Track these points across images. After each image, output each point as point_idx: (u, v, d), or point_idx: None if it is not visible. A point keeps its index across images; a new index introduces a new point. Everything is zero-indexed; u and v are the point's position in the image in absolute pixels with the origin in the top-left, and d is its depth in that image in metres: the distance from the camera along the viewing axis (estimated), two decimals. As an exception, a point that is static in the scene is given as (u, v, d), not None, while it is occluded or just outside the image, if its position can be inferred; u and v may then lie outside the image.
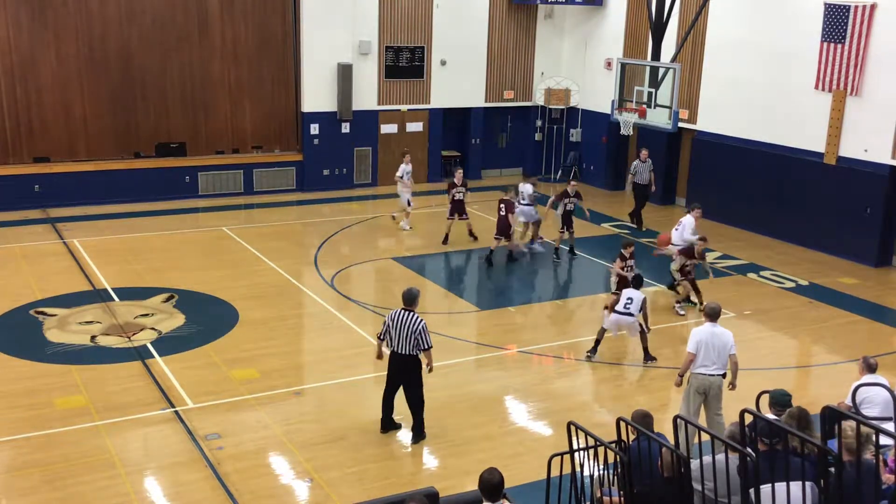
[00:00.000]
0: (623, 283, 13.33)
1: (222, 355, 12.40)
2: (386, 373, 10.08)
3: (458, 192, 17.85)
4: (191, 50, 21.59)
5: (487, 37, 24.49)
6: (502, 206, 16.98)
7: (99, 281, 15.40)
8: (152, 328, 13.31)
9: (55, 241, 17.85)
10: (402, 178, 19.05)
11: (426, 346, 9.73)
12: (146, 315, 13.85)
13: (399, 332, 9.69)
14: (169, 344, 12.75)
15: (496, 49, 24.71)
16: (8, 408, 10.65)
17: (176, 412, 10.67)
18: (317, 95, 22.55)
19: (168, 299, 14.58)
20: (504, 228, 16.93)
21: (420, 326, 9.64)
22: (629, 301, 12.23)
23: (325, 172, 23.06)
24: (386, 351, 10.10)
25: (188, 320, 13.70)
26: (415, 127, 24.18)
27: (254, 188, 22.26)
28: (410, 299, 9.85)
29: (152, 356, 12.31)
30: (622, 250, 13.93)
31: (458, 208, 17.92)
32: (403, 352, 9.73)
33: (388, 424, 10.23)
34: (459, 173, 18.19)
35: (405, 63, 23.59)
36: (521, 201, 17.90)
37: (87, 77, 20.74)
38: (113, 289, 14.96)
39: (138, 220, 19.49)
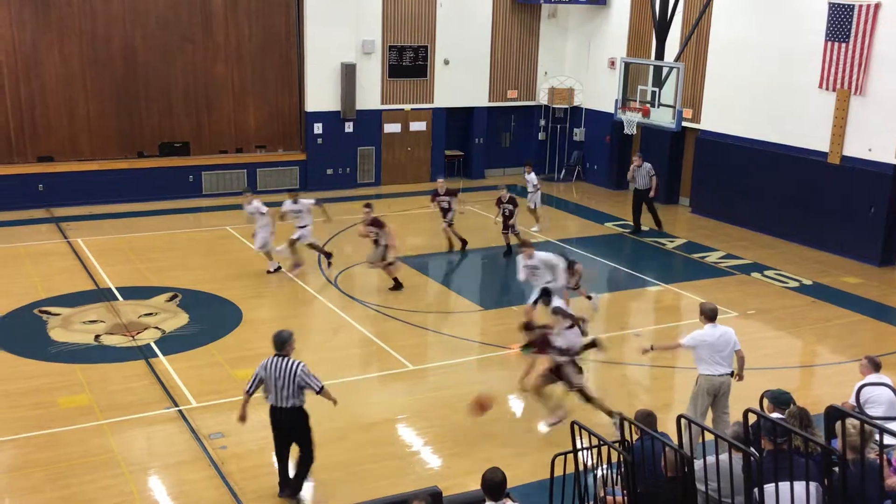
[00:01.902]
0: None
1: (226, 354, 12.41)
2: (272, 432, 8.82)
3: (443, 201, 17.71)
4: (195, 50, 21.62)
5: (491, 36, 24.49)
6: (503, 203, 17.39)
7: (103, 280, 15.42)
8: (156, 327, 13.33)
9: (59, 240, 17.88)
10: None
11: (317, 389, 8.50)
12: (150, 314, 13.86)
13: (277, 383, 8.38)
14: (172, 343, 12.76)
15: (499, 48, 24.70)
16: (12, 407, 10.67)
17: (179, 411, 10.69)
18: (320, 95, 22.58)
19: (172, 298, 14.59)
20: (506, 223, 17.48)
21: (301, 370, 8.37)
22: None
23: (329, 172, 23.07)
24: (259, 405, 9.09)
25: (192, 319, 13.71)
26: (418, 126, 24.18)
27: (258, 187, 22.26)
28: (281, 343, 8.50)
29: (156, 355, 12.32)
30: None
31: (444, 216, 17.77)
32: (287, 405, 8.47)
33: (287, 484, 8.91)
34: (441, 182, 17.96)
35: (408, 62, 23.60)
36: (528, 190, 19.01)
37: (91, 77, 20.77)
38: (117, 288, 14.98)
39: (142, 220, 19.52)
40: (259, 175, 22.41)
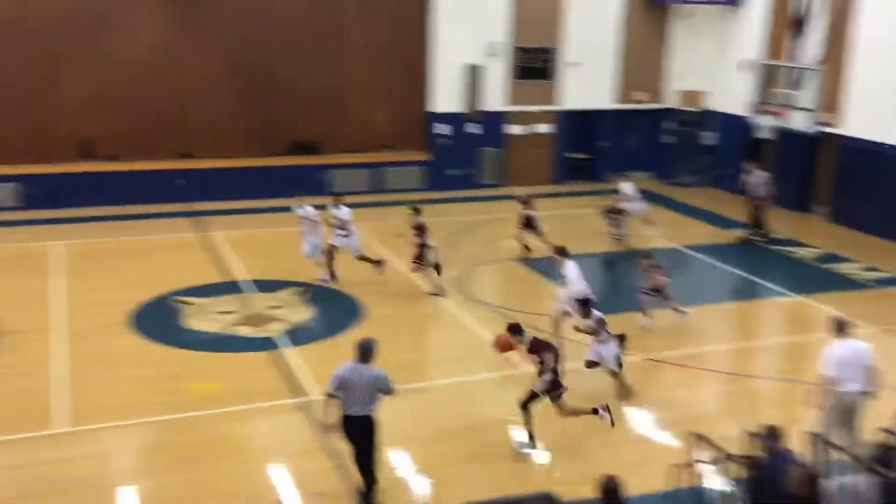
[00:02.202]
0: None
1: (348, 349, 12.68)
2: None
3: (526, 209, 17.46)
4: (327, 52, 22.26)
5: (620, 37, 24.10)
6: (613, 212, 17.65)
7: (236, 273, 16.06)
8: (284, 320, 13.79)
9: (195, 233, 18.73)
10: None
11: (395, 391, 8.60)
12: (279, 307, 14.36)
13: (355, 390, 8.33)
14: (299, 336, 13.17)
15: (628, 50, 24.27)
16: (148, 391, 11.26)
17: (303, 402, 11.01)
18: (445, 96, 22.80)
19: (300, 293, 15.05)
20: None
21: (384, 376, 8.46)
22: None
23: (453, 172, 23.26)
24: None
25: (318, 314, 14.11)
26: (543, 128, 24.07)
27: (383, 187, 22.69)
28: (367, 351, 8.51)
29: (283, 347, 12.74)
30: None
31: (527, 223, 17.44)
32: (360, 413, 8.41)
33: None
34: (522, 190, 17.96)
35: (534, 64, 23.51)
36: (629, 199, 18.32)
37: (230, 77, 21.71)
38: (249, 280, 15.57)
39: (274, 216, 20.18)
40: (384, 175, 22.84)
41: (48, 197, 20.04)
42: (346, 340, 12.91)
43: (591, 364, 11.23)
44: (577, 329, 11.49)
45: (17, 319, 13.26)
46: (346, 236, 15.41)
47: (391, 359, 12.24)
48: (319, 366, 12.05)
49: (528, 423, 9.84)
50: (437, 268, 15.11)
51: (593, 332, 11.12)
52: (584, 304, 11.25)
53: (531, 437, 9.87)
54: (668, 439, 10.29)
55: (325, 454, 9.72)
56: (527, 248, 17.44)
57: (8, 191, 19.89)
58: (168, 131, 21.55)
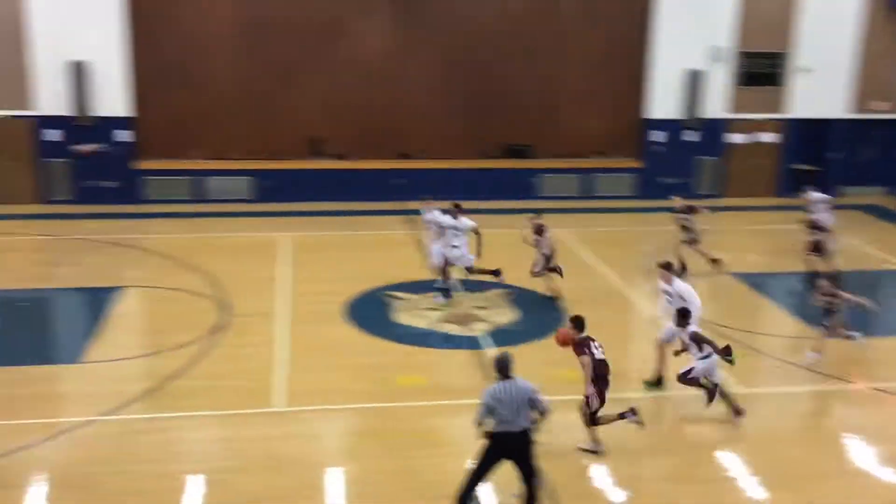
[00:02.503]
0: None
1: (548, 353, 12.62)
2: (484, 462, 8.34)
3: (683, 220, 16.41)
4: (543, 56, 22.35)
5: (858, 42, 22.40)
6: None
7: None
8: (488, 320, 13.97)
9: (409, 231, 19.39)
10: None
11: (545, 409, 8.28)
12: (484, 307, 14.56)
13: (510, 407, 8.06)
14: (501, 337, 13.29)
15: (867, 56, 22.50)
16: (358, 379, 11.78)
17: (503, 403, 11.07)
18: (663, 102, 22.22)
19: (504, 294, 15.19)
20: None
21: (534, 389, 8.22)
22: None
23: (666, 181, 22.60)
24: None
25: (522, 316, 14.18)
26: (767, 137, 22.85)
27: (592, 192, 22.45)
28: (506, 366, 8.29)
29: (485, 346, 12.91)
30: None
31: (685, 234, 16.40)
32: (519, 429, 8.14)
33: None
34: (678, 200, 16.74)
35: (761, 69, 22.36)
36: (819, 210, 17.09)
37: (448, 81, 22.33)
38: (456, 280, 15.88)
39: (483, 217, 20.46)
40: (595, 180, 22.59)
41: (278, 191, 21.50)
42: (548, 344, 12.88)
43: (683, 379, 10.62)
44: (676, 353, 10.89)
45: (246, 303, 14.34)
46: (455, 246, 14.65)
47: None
48: (519, 369, 12.07)
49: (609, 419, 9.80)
50: (559, 271, 14.79)
51: (685, 348, 10.62)
52: (683, 316, 10.61)
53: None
54: (892, 476, 9.43)
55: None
56: (682, 263, 16.37)
57: (243, 184, 21.53)
58: (388, 133, 22.47)
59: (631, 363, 12.93)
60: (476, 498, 8.42)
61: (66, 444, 9.86)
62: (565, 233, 19.19)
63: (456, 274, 14.95)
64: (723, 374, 10.80)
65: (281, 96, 21.89)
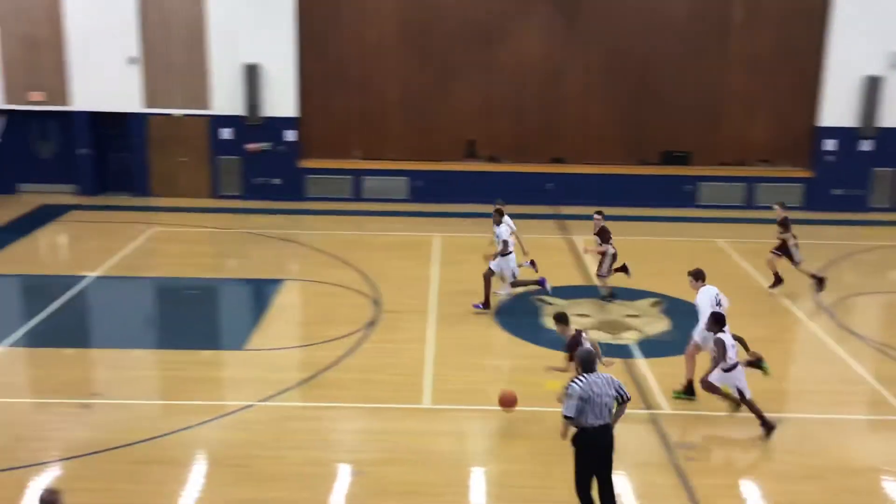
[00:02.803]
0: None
1: (702, 366, 12.24)
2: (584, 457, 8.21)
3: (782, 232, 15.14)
4: (708, 60, 21.66)
5: None
6: None
7: (594, 278, 16.23)
8: (638, 329, 13.67)
9: (561, 236, 19.27)
10: None
11: (628, 397, 8.24)
12: (635, 316, 14.27)
13: (601, 400, 7.96)
14: (652, 347, 12.98)
15: None
16: (504, 381, 11.79)
17: (652, 414, 10.82)
18: (837, 109, 21.05)
19: (655, 304, 14.84)
20: None
21: (618, 381, 8.15)
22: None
23: (837, 192, 21.39)
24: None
25: (673, 326, 13.80)
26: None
27: (755, 202, 21.53)
28: (592, 361, 8.24)
29: (635, 356, 12.64)
30: None
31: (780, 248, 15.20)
32: (608, 420, 8.09)
33: None
34: (780, 211, 15.34)
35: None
36: None
37: (606, 85, 22.03)
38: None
39: (636, 224, 20.11)
40: (758, 190, 21.65)
41: (432, 192, 21.88)
42: (701, 358, 12.48)
43: (704, 385, 10.38)
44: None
45: (398, 300, 14.68)
46: (506, 254, 14.18)
47: (756, 386, 11.62)
48: (669, 380, 11.76)
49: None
50: (625, 269, 14.69)
51: (715, 359, 10.16)
52: (717, 322, 10.23)
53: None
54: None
55: (670, 469, 9.46)
56: (777, 276, 15.40)
57: (400, 184, 22.04)
58: (542, 136, 22.41)
59: (797, 382, 12.36)
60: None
61: (226, 425, 10.42)
62: (724, 243, 18.53)
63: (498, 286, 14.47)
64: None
65: (439, 98, 22.26)
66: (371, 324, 13.70)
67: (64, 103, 21.24)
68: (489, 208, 20.36)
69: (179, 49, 21.06)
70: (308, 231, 19.13)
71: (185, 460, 9.62)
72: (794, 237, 15.11)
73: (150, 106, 21.34)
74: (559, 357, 12.57)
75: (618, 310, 14.56)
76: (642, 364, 12.38)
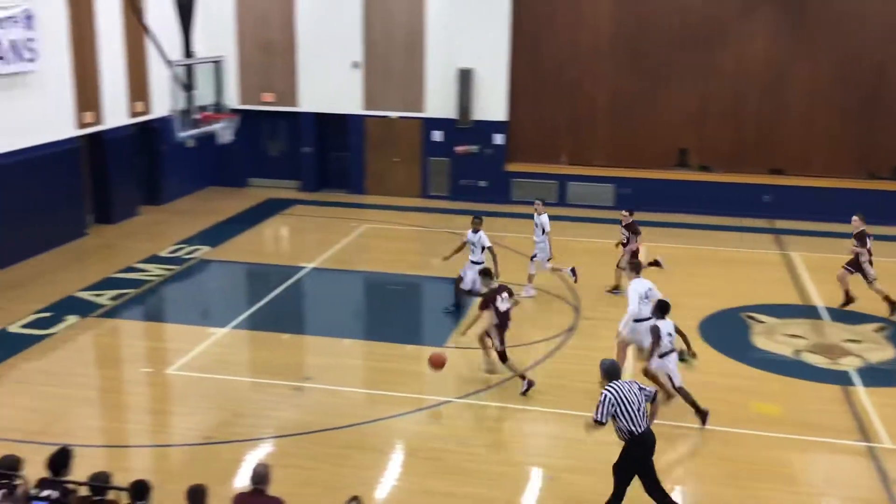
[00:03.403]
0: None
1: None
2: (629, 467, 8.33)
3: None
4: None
5: None
6: None
7: (811, 297, 15.28)
8: (859, 355, 12.70)
9: (776, 251, 18.28)
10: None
11: (653, 395, 8.48)
12: (856, 341, 13.27)
13: (634, 406, 8.13)
14: (874, 375, 12.03)
15: None
16: (708, 399, 11.30)
17: (869, 447, 10.03)
18: None
19: (880, 329, 13.73)
20: None
21: (641, 385, 8.38)
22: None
23: None
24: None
25: (898, 355, 12.72)
26: None
27: None
28: (615, 371, 8.47)
29: (854, 384, 11.76)
30: None
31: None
32: (648, 425, 8.26)
33: None
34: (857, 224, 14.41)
35: None
36: None
37: (834, 94, 20.67)
38: (824, 307, 14.69)
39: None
40: None
41: (639, 200, 21.34)
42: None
43: (649, 375, 10.65)
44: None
45: (598, 307, 14.53)
46: (476, 264, 13.81)
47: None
48: (891, 412, 10.84)
49: (512, 368, 11.27)
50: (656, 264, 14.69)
51: (651, 345, 10.48)
52: (661, 309, 10.67)
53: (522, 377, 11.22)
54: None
55: (889, 511, 8.74)
56: (848, 295, 14.16)
57: (606, 191, 21.74)
58: (761, 145, 21.38)
59: None
60: None
61: (424, 419, 10.73)
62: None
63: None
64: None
65: (651, 103, 21.78)
66: (570, 330, 13.61)
67: (292, 104, 22.75)
68: (699, 219, 19.76)
69: (398, 54, 21.94)
70: (511, 234, 19.27)
71: (384, 448, 10.01)
72: (870, 253, 14.08)
73: (368, 108, 22.40)
74: (769, 378, 11.96)
75: (837, 333, 13.60)
76: (862, 393, 11.48)
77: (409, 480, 9.39)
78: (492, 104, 21.67)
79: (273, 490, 7.08)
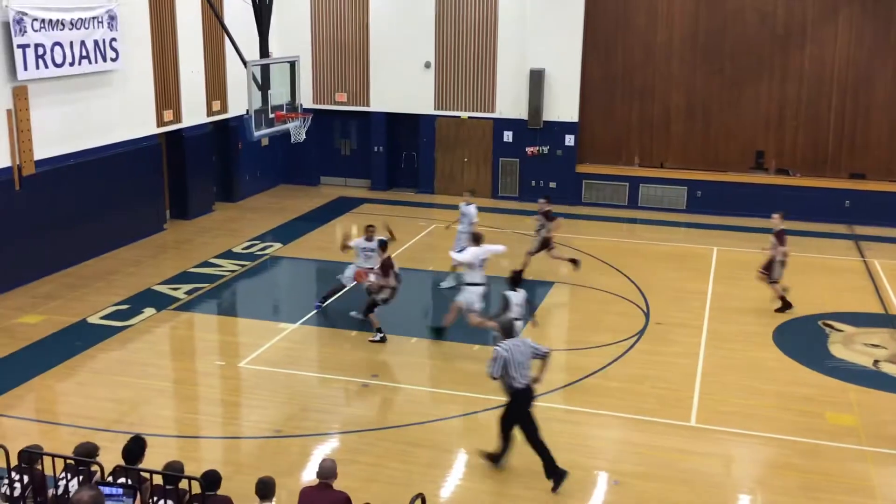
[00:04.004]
0: None
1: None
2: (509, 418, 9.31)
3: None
4: None
5: None
6: None
7: (893, 306, 14.77)
8: (943, 368, 12.22)
9: (855, 258, 17.73)
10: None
11: (545, 352, 9.40)
12: (939, 352, 12.78)
13: (518, 359, 9.11)
14: (960, 389, 11.54)
15: None
16: (782, 408, 11.07)
17: (952, 466, 9.65)
18: None
19: (967, 341, 13.19)
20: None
21: (532, 342, 9.37)
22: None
23: None
24: None
25: None
26: None
27: None
28: (511, 329, 9.48)
29: (937, 397, 11.32)
30: None
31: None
32: (527, 382, 9.22)
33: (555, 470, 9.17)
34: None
35: None
36: None
37: (921, 96, 19.93)
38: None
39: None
40: None
41: (713, 203, 20.99)
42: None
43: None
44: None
45: (668, 312, 14.28)
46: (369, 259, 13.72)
47: None
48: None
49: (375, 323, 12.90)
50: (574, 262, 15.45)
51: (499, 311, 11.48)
52: (512, 280, 11.95)
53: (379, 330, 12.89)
54: None
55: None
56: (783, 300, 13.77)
57: (679, 194, 21.38)
58: (842, 149, 20.78)
59: None
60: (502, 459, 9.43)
61: (489, 419, 10.69)
62: None
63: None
64: None
65: (726, 105, 21.36)
66: (639, 334, 13.43)
67: (364, 104, 22.97)
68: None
69: (470, 54, 21.96)
70: (581, 236, 19.12)
71: (449, 447, 10.02)
72: (785, 254, 14.20)
73: (439, 108, 22.47)
74: (846, 388, 11.60)
75: (918, 344, 13.12)
76: (944, 407, 11.05)
77: (473, 480, 9.38)
78: (563, 105, 21.51)
79: (338, 485, 7.15)
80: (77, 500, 5.62)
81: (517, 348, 9.12)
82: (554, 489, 9.01)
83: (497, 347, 9.12)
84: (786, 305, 14.30)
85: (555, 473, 9.06)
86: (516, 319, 10.92)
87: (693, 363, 12.35)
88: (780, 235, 14.24)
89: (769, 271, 14.41)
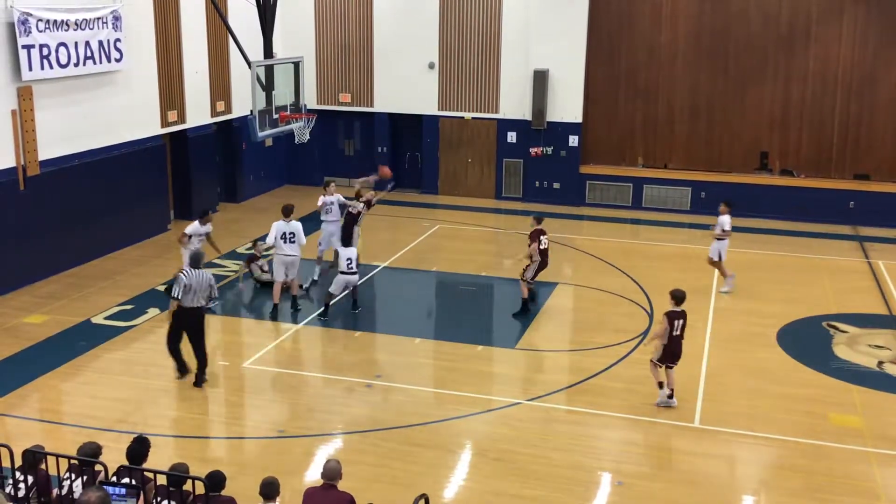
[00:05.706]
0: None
1: None
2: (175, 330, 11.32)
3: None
4: None
5: None
6: None
7: (897, 307, 14.77)
8: (947, 369, 12.21)
9: (859, 259, 17.70)
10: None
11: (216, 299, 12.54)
12: (943, 353, 12.76)
13: (195, 288, 11.07)
14: (963, 390, 11.52)
15: None
16: (785, 409, 11.05)
17: (958, 467, 9.62)
18: None
19: (972, 342, 13.15)
20: None
21: (211, 277, 11.34)
22: (349, 260, 13.76)
23: None
24: None
25: None
26: None
27: None
28: (198, 259, 11.51)
29: (941, 398, 11.30)
30: None
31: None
32: (195, 305, 11.20)
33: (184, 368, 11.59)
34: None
35: None
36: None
37: (926, 96, 19.88)
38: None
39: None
40: None
41: (717, 204, 20.87)
42: None
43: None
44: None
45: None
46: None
47: None
48: None
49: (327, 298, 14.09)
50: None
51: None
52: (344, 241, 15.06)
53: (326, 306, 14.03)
54: None
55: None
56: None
57: (682, 195, 21.35)
58: (846, 150, 20.74)
59: None
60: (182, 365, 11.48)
61: (493, 420, 10.71)
62: None
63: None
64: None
65: (730, 106, 21.33)
66: (643, 335, 13.42)
67: (368, 105, 22.98)
68: (780, 225, 19.33)
69: (473, 55, 21.96)
70: (585, 236, 19.12)
71: (453, 447, 10.03)
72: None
73: (442, 109, 22.47)
74: (849, 389, 11.58)
75: (923, 345, 13.10)
76: (949, 408, 11.02)
77: (477, 481, 9.38)
78: (567, 106, 21.49)
79: (342, 485, 7.15)
80: (84, 501, 5.62)
81: (196, 276, 11.07)
82: (196, 384, 11.31)
83: (180, 274, 11.15)
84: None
85: (192, 373, 11.43)
86: (349, 273, 13.66)
87: (697, 364, 12.33)
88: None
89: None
